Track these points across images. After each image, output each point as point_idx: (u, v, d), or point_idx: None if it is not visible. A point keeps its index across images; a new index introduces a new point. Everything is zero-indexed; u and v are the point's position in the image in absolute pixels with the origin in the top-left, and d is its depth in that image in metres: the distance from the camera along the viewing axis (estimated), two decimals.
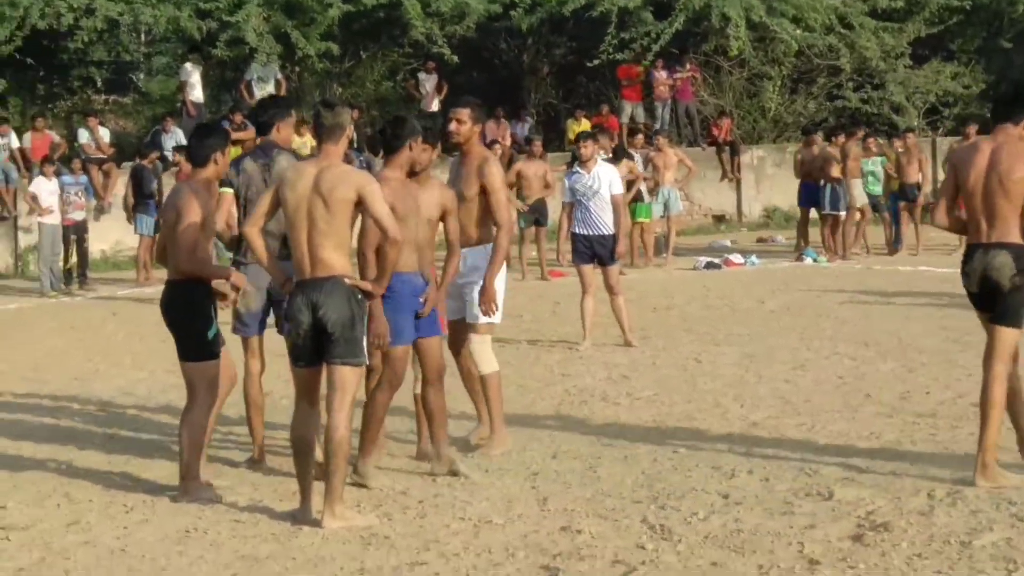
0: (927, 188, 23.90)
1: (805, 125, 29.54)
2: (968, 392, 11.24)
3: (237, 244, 9.45)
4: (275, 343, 9.19)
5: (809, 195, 23.96)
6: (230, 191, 9.47)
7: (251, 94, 27.47)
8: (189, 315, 8.67)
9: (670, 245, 24.02)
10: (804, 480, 8.54)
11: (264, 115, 9.70)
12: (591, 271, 14.68)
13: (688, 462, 9.15)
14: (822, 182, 23.38)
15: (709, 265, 22.73)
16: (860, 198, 23.32)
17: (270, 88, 27.70)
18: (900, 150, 23.97)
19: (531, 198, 21.71)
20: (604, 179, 14.59)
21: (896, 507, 7.80)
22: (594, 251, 14.61)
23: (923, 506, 7.81)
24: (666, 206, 23.68)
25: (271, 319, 9.44)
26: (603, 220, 14.53)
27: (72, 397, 12.69)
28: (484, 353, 9.77)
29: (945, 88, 33.86)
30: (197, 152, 8.97)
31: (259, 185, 9.33)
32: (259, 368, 9.57)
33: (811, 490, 8.29)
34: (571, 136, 28.59)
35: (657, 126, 30.02)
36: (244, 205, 9.43)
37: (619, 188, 14.80)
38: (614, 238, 14.56)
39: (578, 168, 14.98)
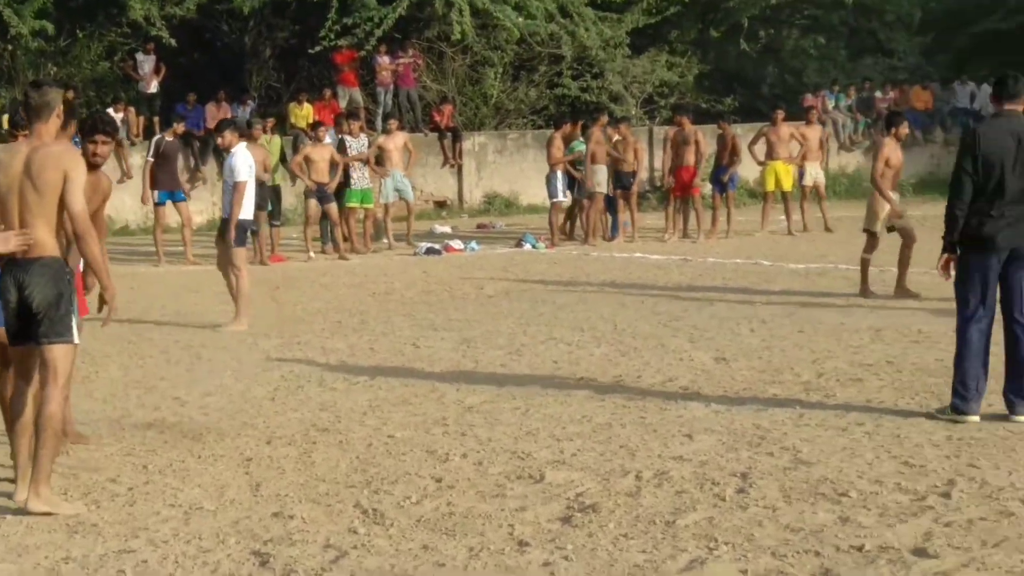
0: (642, 175, 24.33)
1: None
2: (678, 376, 11.53)
3: None
4: None
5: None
6: None
7: None
8: None
9: (410, 230, 24.12)
10: (516, 463, 8.65)
11: None
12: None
13: (402, 446, 9.18)
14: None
15: (430, 251, 22.83)
16: (602, 184, 23.61)
17: None
18: (616, 139, 24.30)
19: None
20: (227, 166, 15.33)
21: (605, 488, 7.95)
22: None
23: (631, 487, 7.97)
24: (399, 192, 23.78)
25: None
26: (228, 204, 15.20)
27: None
28: None
29: (662, 78, 34.67)
30: None
31: None
32: None
33: (523, 473, 8.39)
34: (292, 120, 28.50)
35: (380, 111, 30.08)
36: None
37: (243, 175, 15.11)
38: (227, 222, 15.13)
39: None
